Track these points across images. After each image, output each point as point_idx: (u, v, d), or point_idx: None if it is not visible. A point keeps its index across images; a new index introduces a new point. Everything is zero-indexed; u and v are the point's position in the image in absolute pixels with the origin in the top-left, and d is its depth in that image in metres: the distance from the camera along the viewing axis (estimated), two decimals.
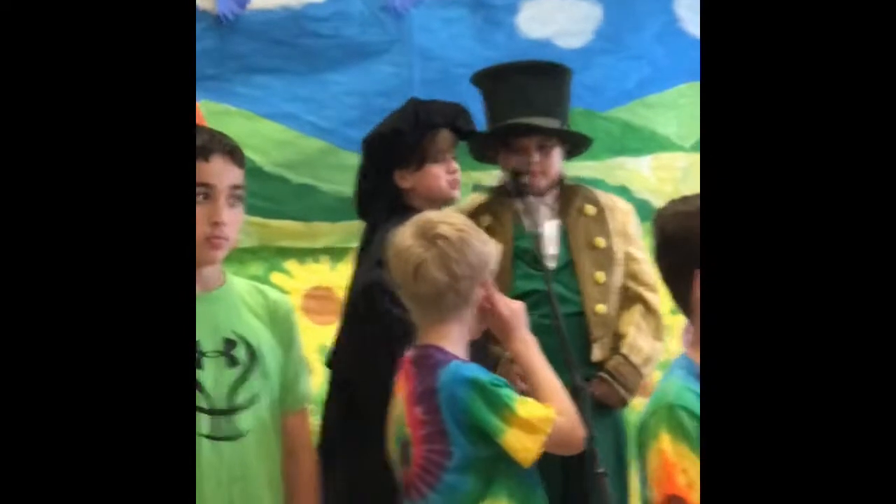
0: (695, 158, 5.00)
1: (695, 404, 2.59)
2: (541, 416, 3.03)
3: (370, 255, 3.95)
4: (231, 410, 3.13)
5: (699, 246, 2.57)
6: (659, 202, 4.75)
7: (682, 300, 2.71)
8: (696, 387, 2.61)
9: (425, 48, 4.74)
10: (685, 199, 2.73)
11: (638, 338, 4.27)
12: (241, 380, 3.15)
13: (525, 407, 3.02)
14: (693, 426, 2.58)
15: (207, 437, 3.07)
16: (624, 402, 4.28)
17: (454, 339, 3.13)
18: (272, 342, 3.24)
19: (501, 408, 3.00)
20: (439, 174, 4.12)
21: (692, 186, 4.95)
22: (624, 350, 4.25)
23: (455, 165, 4.17)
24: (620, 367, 4.24)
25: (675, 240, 2.70)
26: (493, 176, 4.56)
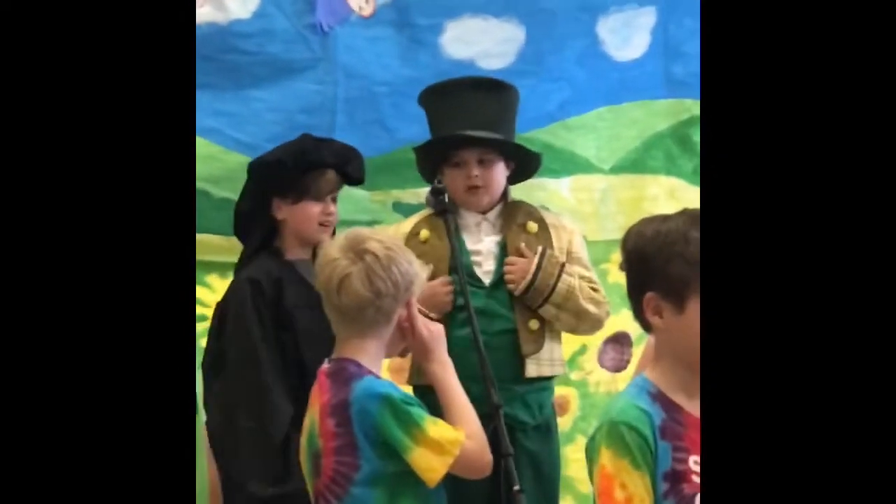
0: (613, 181, 5.06)
1: (640, 420, 2.58)
2: (450, 437, 3.07)
3: (235, 280, 4.12)
4: None
5: (651, 271, 2.61)
6: (577, 223, 4.80)
7: (639, 318, 2.72)
8: (647, 405, 2.60)
9: (349, 66, 4.75)
10: (649, 220, 2.69)
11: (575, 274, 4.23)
12: (195, 396, 3.16)
13: (435, 427, 3.06)
14: (635, 442, 2.56)
15: None
16: (521, 285, 4.18)
17: (371, 355, 3.16)
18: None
19: (411, 426, 3.03)
20: (313, 213, 4.14)
21: (610, 208, 5.04)
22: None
23: (332, 208, 4.19)
24: (551, 257, 4.20)
25: (630, 259, 2.68)
26: (412, 194, 4.59)
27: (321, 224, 4.16)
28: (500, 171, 4.29)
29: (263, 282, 4.00)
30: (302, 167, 4.12)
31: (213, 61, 4.61)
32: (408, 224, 4.31)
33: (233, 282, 4.12)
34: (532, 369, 4.21)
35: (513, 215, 4.31)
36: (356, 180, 4.28)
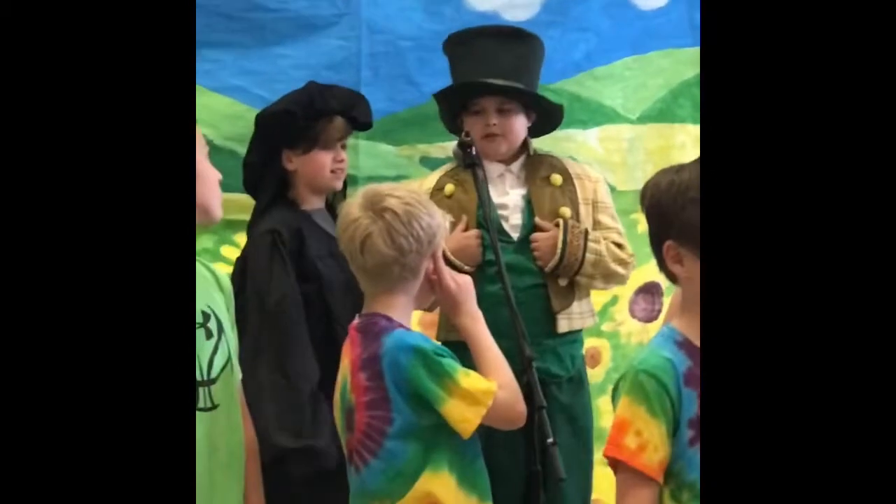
0: (640, 130, 5.05)
1: (660, 368, 2.61)
2: (482, 388, 3.06)
3: (253, 233, 4.13)
4: (210, 382, 3.12)
5: (668, 219, 2.64)
6: (606, 173, 4.81)
7: (663, 269, 2.74)
8: (671, 353, 2.63)
9: (373, 21, 4.75)
10: (664, 172, 2.72)
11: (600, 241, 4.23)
12: (214, 352, 3.15)
13: (467, 378, 3.05)
14: (654, 389, 2.59)
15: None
16: (550, 264, 4.16)
17: (400, 309, 3.16)
18: (227, 315, 3.26)
19: (443, 377, 3.03)
20: (325, 161, 4.15)
21: (638, 158, 5.02)
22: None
23: (343, 155, 4.20)
24: (574, 228, 4.19)
25: (649, 212, 2.72)
26: (439, 149, 4.58)
27: (333, 172, 4.16)
28: (520, 121, 4.27)
29: (284, 232, 4.01)
30: (310, 116, 4.12)
31: (238, 20, 4.62)
32: (432, 179, 4.31)
33: (252, 235, 4.12)
34: (564, 324, 4.21)
35: (536, 168, 4.30)
36: (364, 125, 4.28)
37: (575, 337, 4.28)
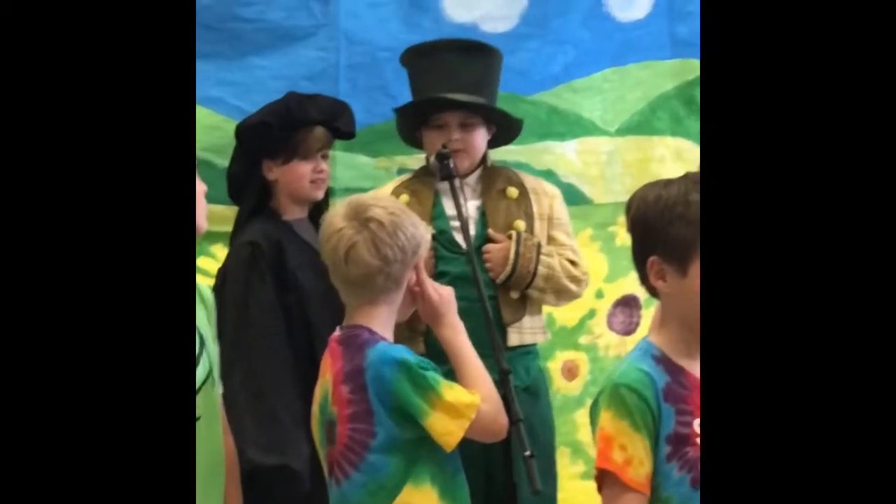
0: (619, 143, 5.05)
1: (640, 383, 2.60)
2: (466, 401, 3.06)
3: (234, 245, 4.13)
4: None
5: (654, 234, 2.63)
6: (585, 186, 4.81)
7: (645, 284, 2.73)
8: (650, 367, 2.62)
9: (351, 32, 4.73)
10: (651, 185, 2.70)
11: (552, 255, 4.24)
12: (195, 364, 3.13)
13: (451, 391, 3.05)
14: (635, 404, 2.58)
15: None
16: (501, 275, 4.19)
17: (382, 321, 3.15)
18: (208, 327, 3.24)
19: (427, 390, 3.02)
20: (304, 172, 4.16)
21: (617, 170, 5.02)
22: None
23: (323, 166, 4.21)
24: (527, 240, 4.21)
25: (634, 225, 2.70)
26: (416, 160, 4.57)
27: (313, 182, 4.16)
28: (481, 136, 4.30)
29: (263, 244, 4.00)
30: (288, 127, 4.11)
31: (215, 30, 4.59)
32: (387, 189, 4.33)
33: (232, 247, 4.11)
34: (514, 338, 4.23)
35: (493, 180, 4.32)
36: (346, 134, 4.28)
37: (527, 349, 4.29)
